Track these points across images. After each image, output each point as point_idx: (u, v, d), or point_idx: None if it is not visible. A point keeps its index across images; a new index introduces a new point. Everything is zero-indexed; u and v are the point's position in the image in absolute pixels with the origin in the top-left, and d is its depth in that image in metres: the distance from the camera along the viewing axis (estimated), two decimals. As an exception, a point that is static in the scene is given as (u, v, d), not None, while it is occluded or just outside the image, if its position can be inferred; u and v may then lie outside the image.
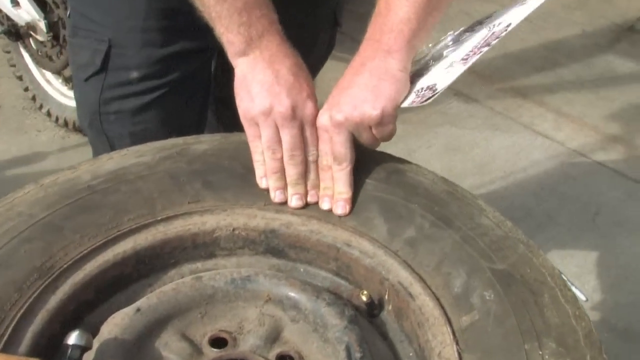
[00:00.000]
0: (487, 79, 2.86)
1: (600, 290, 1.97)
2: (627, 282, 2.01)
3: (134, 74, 1.15)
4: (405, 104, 0.92)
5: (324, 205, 0.91)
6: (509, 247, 0.82)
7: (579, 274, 1.98)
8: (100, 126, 1.20)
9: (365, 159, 0.94)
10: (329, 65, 1.48)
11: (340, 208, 0.89)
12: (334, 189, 0.91)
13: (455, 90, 2.78)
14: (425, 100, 0.89)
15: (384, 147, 0.96)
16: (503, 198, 2.29)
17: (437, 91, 0.90)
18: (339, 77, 0.94)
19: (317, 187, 0.92)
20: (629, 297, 1.96)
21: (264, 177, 0.92)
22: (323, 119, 0.91)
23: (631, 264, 2.07)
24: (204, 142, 0.96)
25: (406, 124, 2.51)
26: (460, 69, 0.92)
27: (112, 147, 1.20)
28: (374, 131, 0.91)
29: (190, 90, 1.22)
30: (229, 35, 0.92)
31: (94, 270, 0.81)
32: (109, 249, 0.82)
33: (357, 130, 0.91)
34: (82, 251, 0.81)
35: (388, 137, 0.93)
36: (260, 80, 0.91)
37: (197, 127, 1.30)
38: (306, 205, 0.91)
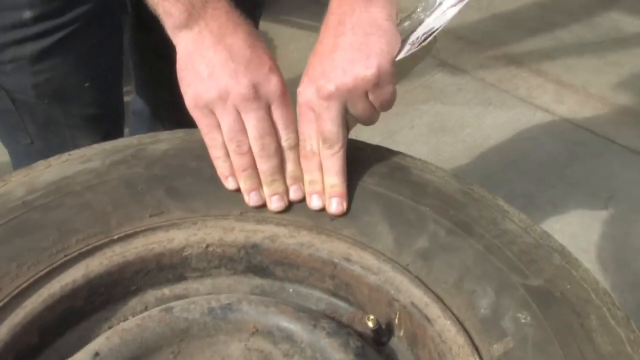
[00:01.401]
0: (476, 46, 2.87)
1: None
2: (649, 280, 2.04)
3: (27, 14, 1.09)
4: (401, 55, 0.90)
5: (314, 203, 0.88)
6: (542, 257, 0.81)
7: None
8: None
9: (358, 154, 0.92)
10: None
11: (335, 205, 0.87)
12: (325, 182, 0.89)
13: (440, 60, 2.78)
14: (422, 42, 0.88)
15: (356, 131, 0.94)
16: (500, 185, 2.30)
17: (434, 30, 0.89)
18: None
19: (299, 179, 0.90)
20: (652, 298, 1.99)
21: (231, 176, 0.89)
22: (307, 93, 0.88)
23: (653, 257, 2.10)
24: (164, 141, 0.93)
25: (385, 101, 2.50)
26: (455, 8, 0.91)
27: (14, 102, 1.17)
28: (371, 97, 0.88)
29: (103, 28, 1.18)
30: (166, 4, 0.88)
31: (37, 307, 0.78)
32: (55, 279, 0.79)
33: (351, 100, 0.88)
34: (21, 284, 0.78)
35: (388, 103, 0.90)
36: (211, 58, 0.87)
37: (116, 73, 1.27)
38: (289, 205, 0.89)
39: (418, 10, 1.00)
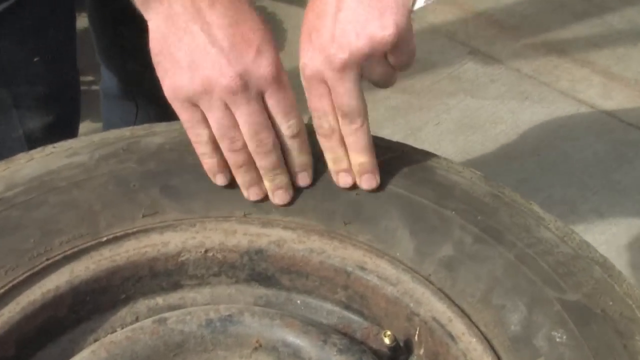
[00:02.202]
0: (512, 32, 2.87)
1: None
2: None
3: None
4: (419, 4, 0.87)
5: (343, 180, 0.91)
6: (581, 269, 0.82)
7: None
8: None
9: (376, 152, 0.93)
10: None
11: (368, 180, 0.90)
12: (352, 161, 0.90)
13: (471, 47, 2.78)
14: None
15: (375, 128, 0.94)
16: (538, 190, 2.30)
17: None
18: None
19: (307, 166, 0.91)
20: None
21: (220, 173, 0.90)
22: (316, 63, 0.87)
23: None
24: (159, 134, 0.94)
25: (407, 93, 2.51)
26: None
27: None
28: (390, 59, 0.88)
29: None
30: None
31: (15, 316, 0.79)
32: (36, 284, 0.80)
33: (368, 66, 0.88)
34: (-2, 289, 0.79)
35: (408, 62, 0.89)
36: (188, 43, 0.85)
37: (68, 46, 1.29)
38: (299, 206, 0.90)
39: None
